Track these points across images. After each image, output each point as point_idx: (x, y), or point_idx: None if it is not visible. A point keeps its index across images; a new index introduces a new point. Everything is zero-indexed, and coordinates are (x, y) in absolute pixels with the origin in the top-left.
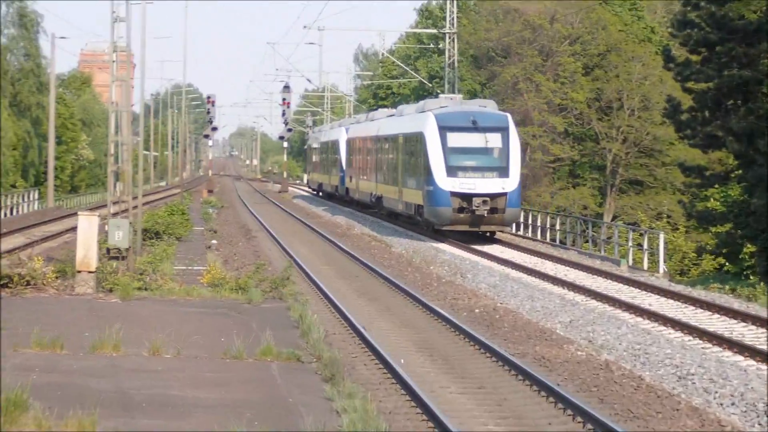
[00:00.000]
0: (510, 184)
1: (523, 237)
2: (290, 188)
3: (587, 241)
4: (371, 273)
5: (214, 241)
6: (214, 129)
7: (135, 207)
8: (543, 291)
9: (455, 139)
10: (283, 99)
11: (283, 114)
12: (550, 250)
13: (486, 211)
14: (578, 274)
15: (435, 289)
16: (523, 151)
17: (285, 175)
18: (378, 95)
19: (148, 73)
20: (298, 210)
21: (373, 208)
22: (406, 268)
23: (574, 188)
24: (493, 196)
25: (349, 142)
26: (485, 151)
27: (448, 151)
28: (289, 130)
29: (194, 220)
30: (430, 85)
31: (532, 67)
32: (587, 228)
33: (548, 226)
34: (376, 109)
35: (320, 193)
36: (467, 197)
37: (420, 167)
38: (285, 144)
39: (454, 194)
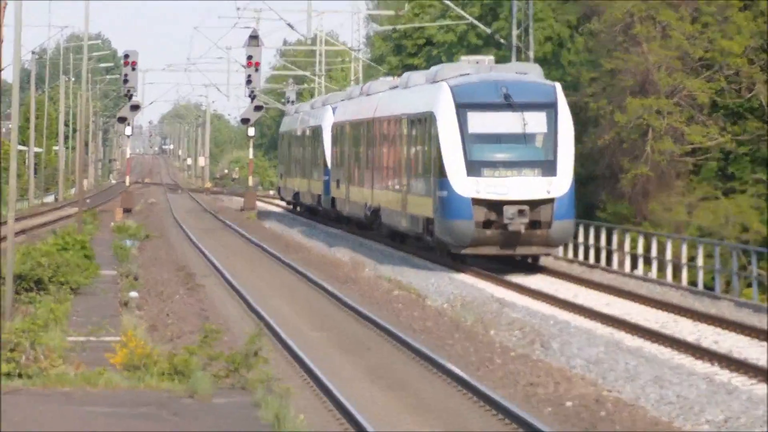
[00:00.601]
0: (559, 185)
1: (630, 276)
2: (260, 203)
3: (750, 285)
4: (390, 341)
5: (133, 294)
6: (135, 108)
7: (1, 239)
8: (678, 370)
9: (479, 122)
10: (249, 57)
11: (248, 82)
12: (688, 299)
13: (524, 226)
14: (737, 341)
15: (498, 366)
16: (643, 136)
17: (251, 182)
18: (404, 48)
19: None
20: (272, 239)
21: (369, 228)
22: (451, 335)
23: (727, 197)
24: (535, 204)
25: (337, 129)
26: (522, 138)
27: (468, 139)
28: (258, 107)
29: (102, 258)
30: (488, 30)
31: None
32: (749, 263)
33: (684, 260)
34: (398, 74)
35: (297, 207)
36: (496, 206)
37: (429, 164)
38: (251, 131)
39: (477, 202)
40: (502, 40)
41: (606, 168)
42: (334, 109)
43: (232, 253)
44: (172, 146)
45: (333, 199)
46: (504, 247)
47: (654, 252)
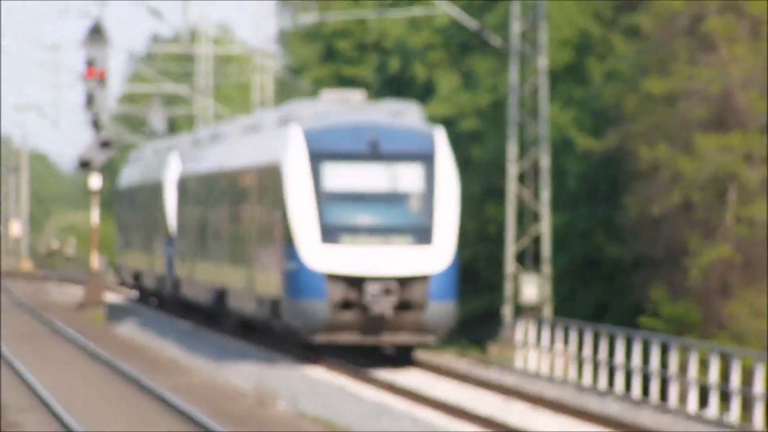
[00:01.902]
0: (436, 257)
1: (697, 419)
2: (111, 295)
3: None
4: None
5: None
6: None
7: None
8: None
9: (337, 176)
10: (89, 63)
11: (89, 102)
12: None
13: (391, 307)
14: None
15: None
16: (721, 197)
17: (96, 263)
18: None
19: None
20: (131, 353)
21: (216, 317)
22: None
23: None
24: (405, 281)
25: (182, 185)
26: (391, 197)
27: (323, 198)
28: (107, 144)
29: None
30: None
31: None
32: None
33: None
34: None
35: (141, 293)
36: (357, 282)
37: (276, 229)
38: (95, 182)
39: (332, 277)
40: (495, 42)
41: (662, 248)
42: (181, 156)
43: (66, 376)
44: None
45: (176, 281)
46: (366, 333)
47: (736, 381)
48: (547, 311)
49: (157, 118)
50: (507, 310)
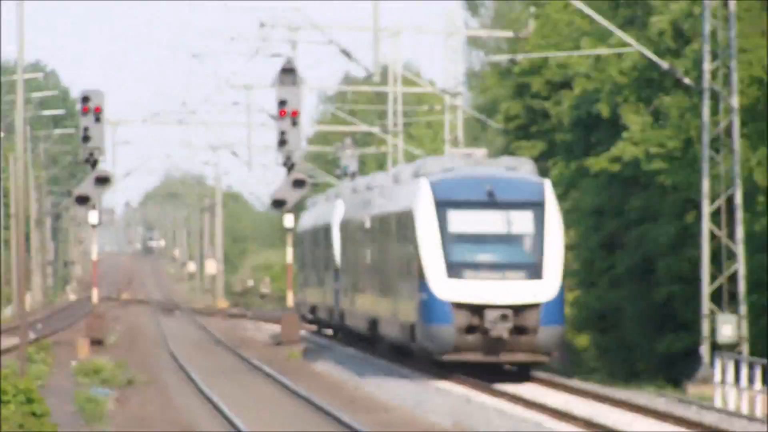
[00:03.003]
0: (546, 289)
1: None
2: (306, 333)
3: None
4: None
5: None
6: (103, 181)
7: None
8: None
9: (460, 221)
10: (281, 104)
11: (282, 142)
12: None
13: (507, 331)
14: None
15: None
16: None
17: (291, 300)
18: (528, 89)
19: None
20: (328, 390)
21: (370, 340)
22: None
23: None
24: (519, 309)
25: (344, 227)
26: (507, 239)
27: (448, 239)
28: (299, 182)
29: (60, 417)
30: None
31: None
32: None
33: None
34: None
35: (319, 326)
36: (478, 310)
37: (411, 265)
38: (289, 221)
39: (458, 306)
40: (687, 81)
41: None
42: (345, 202)
43: (265, 412)
44: (162, 243)
45: (341, 312)
46: (488, 353)
47: None
48: (744, 350)
49: (348, 157)
50: (704, 349)
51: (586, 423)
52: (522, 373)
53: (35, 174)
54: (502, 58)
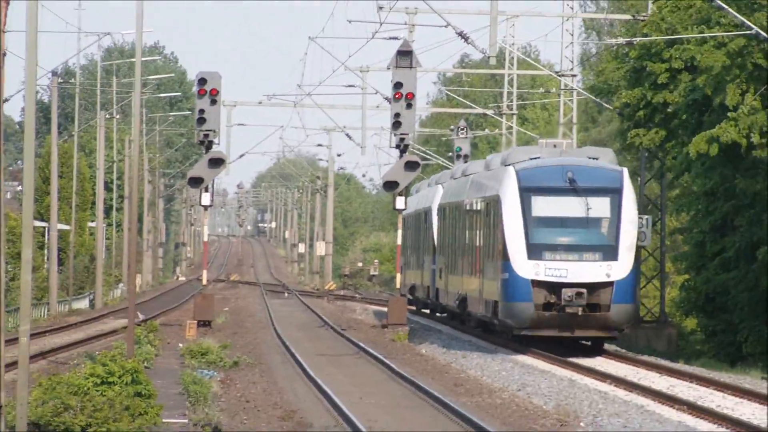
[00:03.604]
0: (619, 269)
1: None
2: (412, 315)
3: None
4: None
5: None
6: (217, 163)
7: (9, 366)
8: None
9: (542, 206)
10: (396, 86)
11: (396, 124)
12: None
13: (581, 309)
14: None
15: None
16: None
17: (399, 282)
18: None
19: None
20: (432, 372)
21: (460, 317)
22: None
23: None
24: (593, 287)
25: (442, 211)
26: (584, 222)
27: (530, 223)
28: (412, 164)
29: (166, 398)
30: None
31: None
32: None
33: None
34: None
35: (417, 306)
36: (555, 288)
37: (496, 247)
38: (400, 202)
39: (536, 284)
40: None
41: None
42: (443, 187)
43: (368, 392)
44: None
45: (437, 291)
46: (562, 328)
47: None
48: None
49: (460, 140)
50: None
51: (690, 407)
52: (618, 353)
53: (150, 156)
54: (617, 41)
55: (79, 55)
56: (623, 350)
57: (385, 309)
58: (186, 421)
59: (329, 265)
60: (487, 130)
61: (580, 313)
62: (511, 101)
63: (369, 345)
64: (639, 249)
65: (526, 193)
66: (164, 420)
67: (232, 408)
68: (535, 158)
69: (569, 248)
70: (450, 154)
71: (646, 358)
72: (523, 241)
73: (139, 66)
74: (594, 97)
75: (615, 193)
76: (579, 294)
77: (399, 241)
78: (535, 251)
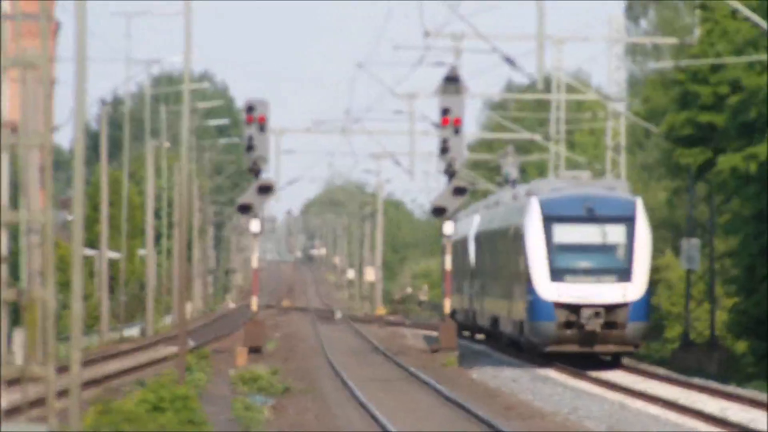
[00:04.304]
0: (633, 290)
1: None
2: (463, 340)
3: None
4: None
5: None
6: (266, 190)
7: (60, 394)
8: None
9: (563, 233)
10: (444, 112)
11: (444, 150)
12: None
13: (599, 326)
14: None
15: None
16: None
17: (448, 307)
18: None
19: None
20: (482, 397)
21: (492, 336)
22: None
23: None
24: (610, 307)
25: (477, 239)
26: (602, 248)
27: (553, 249)
28: (460, 190)
29: (217, 425)
30: None
31: None
32: None
33: None
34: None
35: (459, 328)
36: (575, 308)
37: (522, 271)
38: (449, 228)
39: (558, 305)
40: None
41: None
42: (480, 216)
43: (420, 417)
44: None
45: (474, 313)
46: (582, 345)
47: None
48: None
49: (509, 165)
50: None
51: (742, 429)
52: (676, 380)
53: (200, 183)
54: (664, 65)
55: (128, 82)
56: (674, 373)
57: (434, 334)
58: None
59: (379, 291)
60: (535, 155)
61: (598, 331)
62: (559, 126)
63: (420, 370)
64: (690, 273)
65: (548, 221)
66: None
67: None
68: (556, 189)
69: (588, 272)
70: (499, 179)
71: (697, 380)
72: (545, 265)
73: (188, 93)
74: (642, 121)
75: (629, 221)
76: (597, 313)
77: (448, 266)
78: (556, 275)
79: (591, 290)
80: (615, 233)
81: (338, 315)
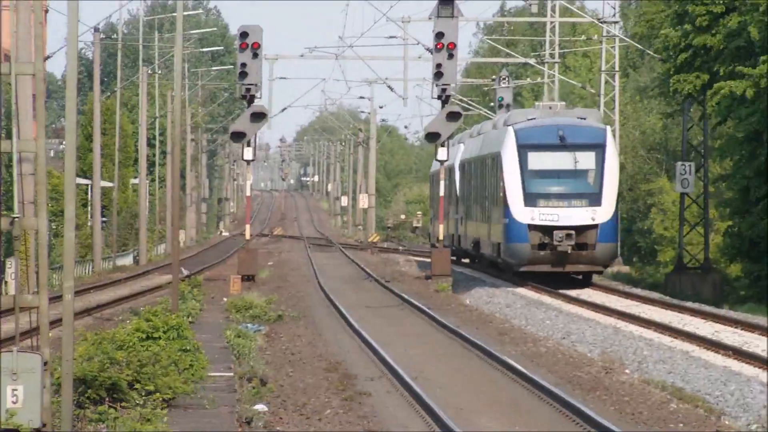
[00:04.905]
0: (602, 213)
1: None
2: (456, 266)
3: None
4: None
5: (260, 407)
6: (259, 117)
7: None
8: None
9: (537, 160)
10: (438, 36)
11: (438, 75)
12: None
13: (570, 247)
14: None
15: None
16: None
17: (442, 233)
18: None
19: None
20: (476, 322)
21: (474, 259)
22: None
23: None
24: (580, 229)
25: (462, 167)
26: (573, 173)
27: (527, 175)
28: (454, 115)
29: (211, 352)
30: None
31: None
32: None
33: None
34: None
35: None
36: (548, 230)
37: (499, 196)
38: (442, 153)
39: (532, 227)
40: None
41: None
42: (463, 145)
43: (412, 343)
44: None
45: (459, 237)
46: (554, 265)
47: None
48: None
49: (502, 89)
50: None
51: (736, 352)
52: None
53: (193, 111)
54: None
55: (121, 10)
56: (667, 297)
57: (428, 260)
58: (231, 374)
59: (372, 218)
60: (529, 79)
61: (569, 252)
62: (553, 50)
63: (413, 296)
64: (682, 197)
65: (523, 149)
66: (210, 374)
67: (278, 361)
68: (531, 119)
69: (560, 196)
70: (492, 104)
71: (690, 304)
72: (520, 191)
73: (180, 20)
74: (636, 44)
75: (599, 148)
76: (569, 235)
77: (441, 192)
78: (530, 199)
79: (563, 213)
80: (585, 160)
81: (329, 248)
